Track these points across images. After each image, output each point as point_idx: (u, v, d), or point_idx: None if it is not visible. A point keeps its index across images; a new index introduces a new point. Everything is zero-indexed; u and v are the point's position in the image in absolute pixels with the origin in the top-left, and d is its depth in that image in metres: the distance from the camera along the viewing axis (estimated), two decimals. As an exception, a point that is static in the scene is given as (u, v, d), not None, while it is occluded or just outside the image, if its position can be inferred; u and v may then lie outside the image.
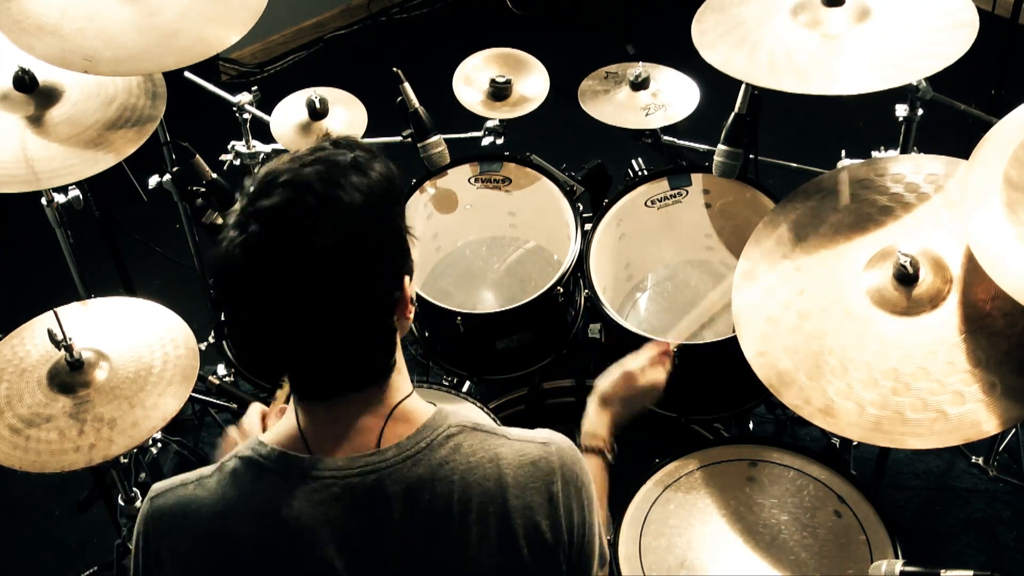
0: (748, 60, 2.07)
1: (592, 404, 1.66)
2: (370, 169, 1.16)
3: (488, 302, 2.53)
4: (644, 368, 1.70)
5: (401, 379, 1.25)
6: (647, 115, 2.48)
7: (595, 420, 1.65)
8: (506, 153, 2.56)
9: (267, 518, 1.18)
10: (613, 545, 1.88)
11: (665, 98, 2.51)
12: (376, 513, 1.18)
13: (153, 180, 2.62)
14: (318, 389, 1.21)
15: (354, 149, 1.18)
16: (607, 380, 1.68)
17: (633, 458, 2.01)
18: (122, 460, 2.13)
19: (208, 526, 1.19)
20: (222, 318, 2.07)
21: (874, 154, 2.32)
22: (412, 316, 1.23)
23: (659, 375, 1.71)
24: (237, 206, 1.16)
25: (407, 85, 2.41)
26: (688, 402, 2.26)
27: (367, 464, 1.19)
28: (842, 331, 1.78)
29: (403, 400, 1.23)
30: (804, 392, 1.74)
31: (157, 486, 1.24)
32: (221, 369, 2.84)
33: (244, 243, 1.11)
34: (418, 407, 1.25)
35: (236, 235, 1.12)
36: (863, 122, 3.52)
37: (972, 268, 1.73)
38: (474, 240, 2.67)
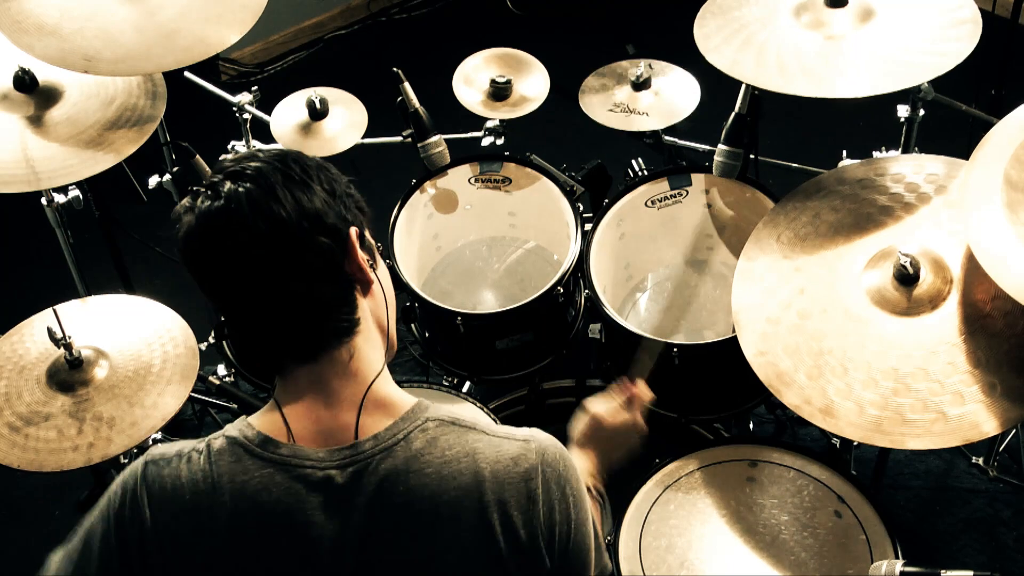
0: (756, 63, 2.06)
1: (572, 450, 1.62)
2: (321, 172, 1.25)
3: (488, 302, 2.53)
4: (612, 411, 1.65)
5: (371, 349, 1.26)
6: (625, 116, 2.48)
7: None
8: (506, 153, 2.55)
9: (245, 499, 1.20)
10: (613, 545, 1.88)
11: (660, 100, 2.51)
12: (351, 503, 1.20)
13: (153, 180, 2.62)
14: (282, 350, 1.24)
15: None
16: (577, 426, 1.64)
17: (633, 458, 2.01)
18: (122, 460, 2.13)
19: (191, 501, 1.20)
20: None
21: (875, 154, 2.32)
22: (374, 275, 1.25)
23: (627, 415, 1.66)
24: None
25: (407, 85, 2.41)
26: (688, 402, 2.26)
27: (345, 457, 1.21)
28: (842, 331, 1.78)
29: (376, 379, 1.25)
30: (804, 392, 1.74)
31: (155, 453, 1.25)
32: (221, 369, 2.84)
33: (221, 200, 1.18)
34: (397, 396, 1.26)
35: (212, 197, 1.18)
36: (863, 122, 3.52)
37: (972, 268, 1.73)
38: (474, 240, 2.66)
